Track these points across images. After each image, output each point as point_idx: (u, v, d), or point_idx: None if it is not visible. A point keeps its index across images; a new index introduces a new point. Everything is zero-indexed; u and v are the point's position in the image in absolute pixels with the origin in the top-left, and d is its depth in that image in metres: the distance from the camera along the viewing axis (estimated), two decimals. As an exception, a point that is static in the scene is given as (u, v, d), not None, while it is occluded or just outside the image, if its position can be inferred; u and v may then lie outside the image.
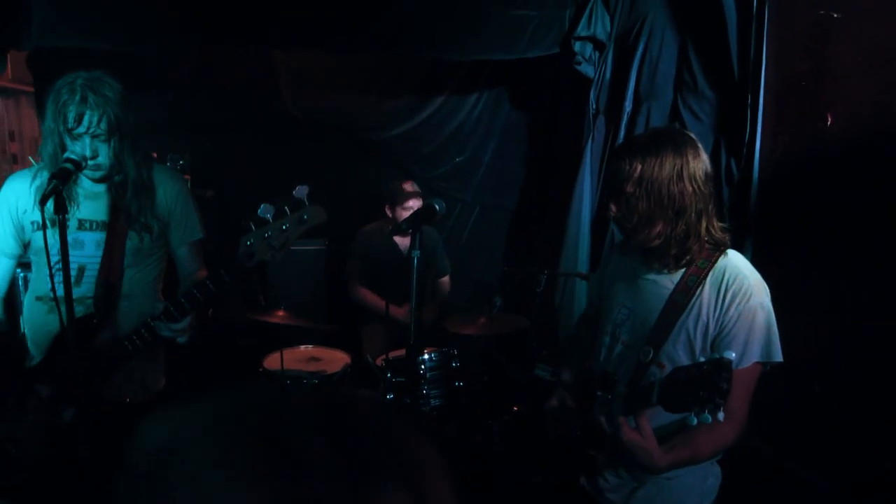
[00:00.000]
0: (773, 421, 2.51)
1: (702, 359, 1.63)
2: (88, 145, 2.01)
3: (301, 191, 1.77)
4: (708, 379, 1.37)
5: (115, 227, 2.18)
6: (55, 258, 1.94)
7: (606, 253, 2.10)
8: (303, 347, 3.73)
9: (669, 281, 1.80)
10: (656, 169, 1.71)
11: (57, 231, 1.90)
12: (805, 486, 2.43)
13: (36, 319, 2.20)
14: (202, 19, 2.95)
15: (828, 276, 2.38)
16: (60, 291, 1.94)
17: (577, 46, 3.35)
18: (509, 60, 3.54)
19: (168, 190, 2.29)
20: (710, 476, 1.89)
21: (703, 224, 1.74)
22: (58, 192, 1.84)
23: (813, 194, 2.42)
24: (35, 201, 2.07)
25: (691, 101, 2.85)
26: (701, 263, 1.75)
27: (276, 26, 3.12)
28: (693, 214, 1.72)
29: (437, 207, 1.86)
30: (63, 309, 1.87)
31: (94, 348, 2.12)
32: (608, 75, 3.33)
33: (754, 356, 1.66)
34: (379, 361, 3.42)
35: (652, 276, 1.85)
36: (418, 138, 4.25)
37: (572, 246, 3.49)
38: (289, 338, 3.56)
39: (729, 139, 2.68)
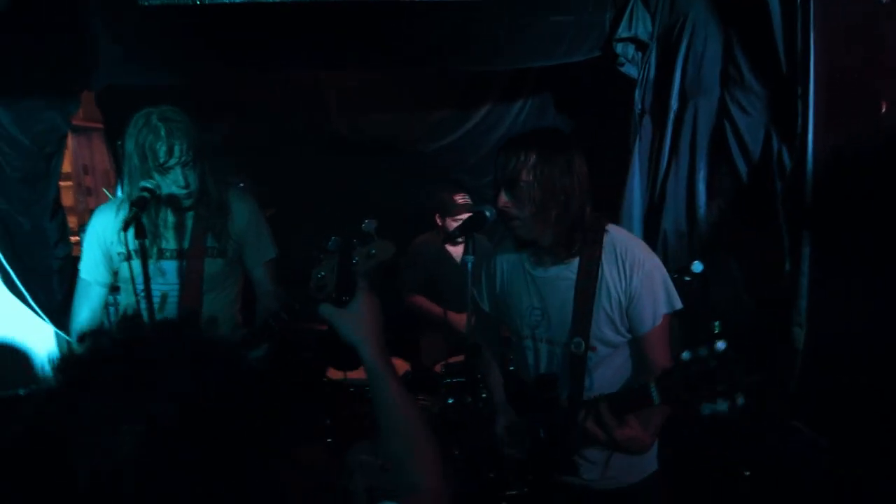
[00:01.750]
0: (828, 412, 2.48)
1: (623, 330, 1.89)
2: (181, 175, 2.14)
3: (369, 225, 1.81)
4: (718, 373, 1.44)
5: (193, 254, 2.31)
6: (141, 286, 2.09)
7: (477, 261, 2.16)
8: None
9: (569, 272, 1.93)
10: (549, 160, 1.83)
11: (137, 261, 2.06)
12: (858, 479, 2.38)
13: None
14: (257, 48, 3.10)
15: (884, 268, 2.34)
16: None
17: (618, 48, 3.37)
18: (551, 66, 3.58)
19: (241, 211, 2.40)
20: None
21: (586, 214, 1.89)
22: (138, 219, 1.99)
23: (868, 184, 2.38)
24: (118, 233, 2.17)
25: (739, 95, 2.83)
26: (591, 249, 1.89)
27: (321, 48, 3.24)
28: (579, 205, 1.87)
29: (488, 214, 1.91)
30: None
31: None
32: (652, 75, 3.33)
33: (662, 311, 1.87)
34: (437, 368, 3.50)
35: (552, 273, 1.96)
36: (465, 148, 4.31)
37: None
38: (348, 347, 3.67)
39: (779, 132, 2.66)
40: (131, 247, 2.13)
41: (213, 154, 4.15)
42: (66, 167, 3.74)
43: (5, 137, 3.19)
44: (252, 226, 2.43)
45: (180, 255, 2.31)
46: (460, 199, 3.77)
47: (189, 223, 2.32)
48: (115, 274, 2.35)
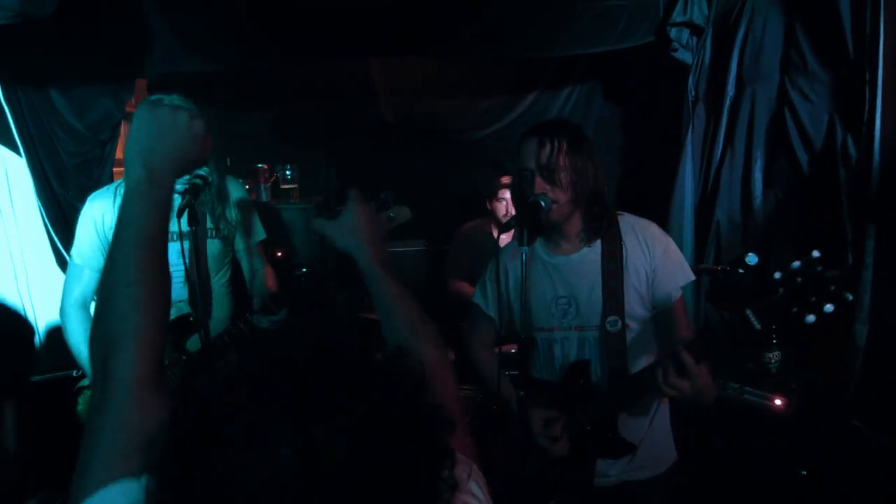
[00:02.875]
0: (890, 412, 2.39)
1: (650, 305, 1.94)
2: None
3: (386, 195, 1.91)
4: (815, 282, 1.43)
5: (197, 235, 2.36)
6: (182, 269, 2.20)
7: (491, 271, 2.19)
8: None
9: (593, 254, 1.97)
10: (578, 147, 1.89)
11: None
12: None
13: None
14: (308, 34, 3.10)
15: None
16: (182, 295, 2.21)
17: (673, 33, 3.26)
18: (601, 53, 3.50)
19: (236, 196, 2.53)
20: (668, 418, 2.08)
21: (606, 199, 1.96)
22: (191, 206, 2.01)
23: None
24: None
25: (801, 81, 2.73)
26: (610, 231, 1.95)
27: (373, 36, 3.23)
28: (604, 192, 1.96)
29: (543, 204, 1.87)
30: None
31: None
32: (707, 61, 3.23)
33: (681, 282, 1.94)
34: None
35: (575, 258, 1.99)
36: (512, 136, 4.23)
37: (676, 238, 3.40)
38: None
39: (844, 119, 2.55)
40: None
41: (260, 141, 4.23)
42: (119, 154, 3.80)
43: (62, 125, 3.28)
44: (245, 209, 2.57)
45: (183, 236, 2.36)
46: (505, 179, 3.74)
47: (188, 206, 2.36)
48: None
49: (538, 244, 2.05)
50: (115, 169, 3.52)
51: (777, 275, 1.49)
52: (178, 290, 2.35)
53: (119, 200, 2.20)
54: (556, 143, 1.85)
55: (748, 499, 2.49)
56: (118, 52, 3.19)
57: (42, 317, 3.44)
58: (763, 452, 2.53)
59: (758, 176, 3.01)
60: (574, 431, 1.94)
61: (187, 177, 2.12)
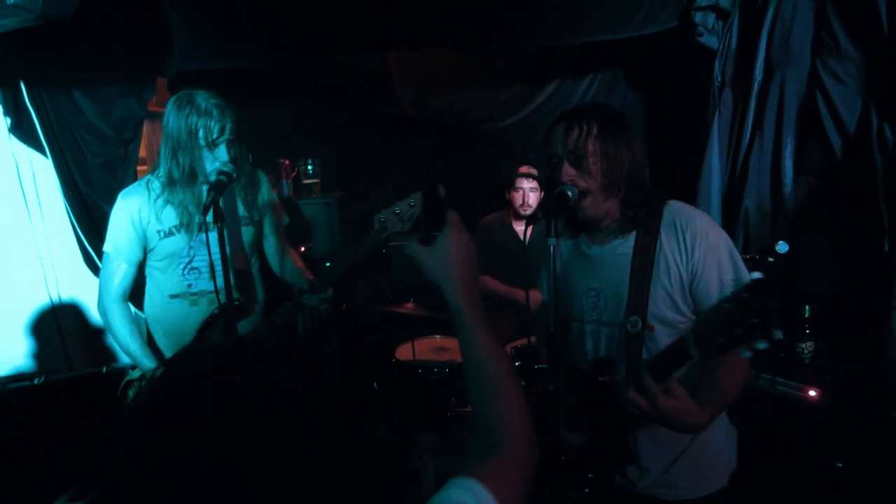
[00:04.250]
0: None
1: (685, 309, 1.76)
2: (226, 151, 2.25)
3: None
4: (752, 305, 1.28)
5: (232, 223, 2.43)
6: (186, 258, 2.35)
7: (538, 246, 2.08)
8: (432, 338, 3.83)
9: (626, 248, 1.82)
10: (611, 131, 1.75)
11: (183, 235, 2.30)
12: None
13: (171, 315, 2.46)
14: (326, 28, 3.09)
15: None
16: (204, 286, 2.35)
17: (697, 17, 3.19)
18: (624, 40, 3.44)
19: (263, 184, 2.63)
20: (731, 437, 1.93)
21: (648, 186, 1.80)
22: (216, 203, 2.03)
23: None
24: (156, 212, 2.35)
25: (833, 63, 2.65)
26: (648, 222, 1.78)
27: (392, 28, 3.20)
28: (642, 176, 1.79)
29: (570, 194, 1.81)
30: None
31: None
32: (734, 45, 3.15)
33: (730, 287, 1.62)
34: (507, 350, 3.46)
35: (607, 249, 1.86)
36: (533, 126, 4.22)
37: (703, 226, 3.36)
38: (417, 328, 3.68)
39: (880, 102, 2.47)
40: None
41: (281, 136, 4.24)
42: (141, 152, 3.83)
43: (86, 125, 3.30)
44: (271, 196, 2.66)
45: (219, 225, 2.41)
46: (524, 169, 3.70)
47: (223, 196, 2.37)
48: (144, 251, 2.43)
49: (582, 234, 1.96)
50: (138, 168, 3.56)
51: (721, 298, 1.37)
52: (220, 279, 2.39)
53: (153, 195, 2.35)
54: (586, 128, 1.74)
55: (782, 491, 2.44)
56: (139, 51, 3.21)
57: (70, 315, 3.49)
58: (797, 444, 2.48)
59: (788, 162, 2.94)
60: (589, 424, 1.86)
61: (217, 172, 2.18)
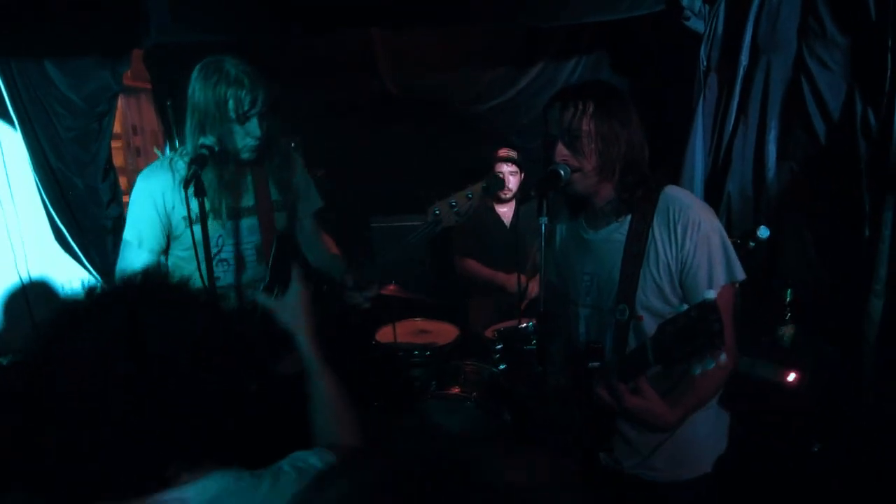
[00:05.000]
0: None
1: (674, 300, 1.73)
2: (258, 125, 2.06)
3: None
4: (698, 325, 1.31)
5: (263, 209, 2.25)
6: (214, 249, 2.07)
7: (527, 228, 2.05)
8: (412, 320, 3.81)
9: (620, 234, 1.79)
10: (607, 110, 1.70)
11: (210, 223, 2.02)
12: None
13: None
14: (309, 4, 3.01)
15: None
16: (232, 280, 2.15)
17: (685, 1, 3.17)
18: (609, 23, 3.41)
19: (298, 163, 2.41)
20: (720, 423, 1.92)
21: (645, 169, 1.76)
22: (197, 177, 1.91)
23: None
24: (181, 196, 2.07)
25: (819, 49, 2.65)
26: (644, 208, 1.75)
27: (375, 5, 3.14)
28: (638, 159, 1.74)
29: (562, 173, 1.78)
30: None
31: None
32: (720, 29, 3.14)
33: (721, 281, 1.68)
34: (490, 333, 3.44)
35: (602, 234, 1.84)
36: (517, 108, 4.19)
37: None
38: (397, 311, 3.64)
39: (865, 88, 2.49)
40: (196, 208, 1.99)
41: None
42: (116, 128, 3.73)
43: (58, 98, 3.20)
44: (304, 176, 2.45)
45: (251, 211, 2.23)
46: (503, 152, 3.67)
47: (250, 178, 2.23)
48: (169, 239, 2.20)
49: (580, 218, 1.92)
50: (113, 143, 3.47)
51: (682, 307, 1.42)
52: (253, 267, 2.25)
53: (178, 176, 2.08)
54: (581, 107, 1.69)
55: (761, 472, 2.47)
56: (114, 21, 3.11)
57: (41, 294, 3.39)
58: (776, 427, 2.51)
59: (771, 147, 2.95)
60: (576, 406, 1.85)
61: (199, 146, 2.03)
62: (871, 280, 2.49)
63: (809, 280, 2.73)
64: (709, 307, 1.30)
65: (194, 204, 1.91)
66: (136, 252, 2.15)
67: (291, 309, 1.49)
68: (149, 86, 4.05)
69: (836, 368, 2.57)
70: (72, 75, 3.18)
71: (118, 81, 3.28)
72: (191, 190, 1.90)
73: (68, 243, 3.38)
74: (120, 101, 3.47)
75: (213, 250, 2.10)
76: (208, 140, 2.02)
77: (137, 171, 4.14)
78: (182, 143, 2.19)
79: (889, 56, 2.35)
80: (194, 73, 2.07)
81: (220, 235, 2.17)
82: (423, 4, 3.08)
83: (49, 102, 3.19)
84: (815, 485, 2.43)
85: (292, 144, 3.80)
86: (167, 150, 3.95)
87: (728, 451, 1.97)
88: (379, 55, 4.03)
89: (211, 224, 2.09)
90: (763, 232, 2.90)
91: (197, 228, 1.98)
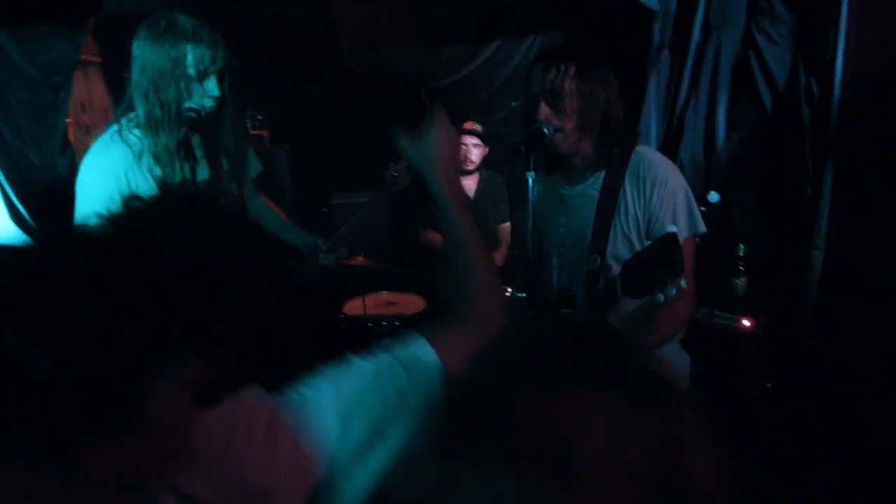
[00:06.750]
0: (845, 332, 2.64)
1: (646, 244, 1.82)
2: (216, 84, 1.95)
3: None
4: (661, 255, 1.48)
5: (216, 179, 2.15)
6: None
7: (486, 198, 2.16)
8: (379, 294, 3.86)
9: (594, 190, 1.94)
10: (588, 71, 1.82)
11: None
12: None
13: None
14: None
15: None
16: None
17: (639, -21, 3.36)
18: (566, 1, 3.56)
19: (240, 128, 2.27)
20: (683, 363, 2.08)
21: (621, 128, 1.90)
22: (188, 140, 1.87)
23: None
24: (143, 172, 1.96)
25: (766, 24, 2.87)
26: (617, 165, 1.89)
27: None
28: (616, 117, 1.88)
29: (546, 131, 1.88)
30: None
31: None
32: (674, 7, 3.33)
33: (684, 233, 1.82)
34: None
35: (578, 189, 1.98)
36: (475, 83, 4.28)
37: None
38: (366, 284, 3.70)
39: (808, 61, 2.73)
40: (187, 176, 1.87)
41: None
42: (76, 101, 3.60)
43: (12, 69, 3.07)
44: (245, 141, 2.33)
45: (204, 184, 2.07)
46: (468, 125, 3.77)
47: (204, 146, 2.08)
48: None
49: (557, 174, 2.05)
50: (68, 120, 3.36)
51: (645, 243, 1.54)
52: None
53: (135, 150, 1.90)
54: (563, 68, 1.79)
55: (721, 408, 2.70)
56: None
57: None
58: (734, 368, 2.75)
59: (721, 118, 3.18)
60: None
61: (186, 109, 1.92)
62: (813, 235, 2.75)
63: (758, 237, 2.98)
64: (670, 239, 1.47)
65: (201, 171, 1.89)
66: None
67: (426, 148, 1.28)
68: (98, 59, 3.91)
69: (784, 315, 2.83)
70: (26, 46, 3.06)
71: (76, 51, 3.17)
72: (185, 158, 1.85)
73: (24, 220, 3.27)
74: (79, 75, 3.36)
75: None
76: (194, 103, 1.92)
77: (86, 149, 4.03)
78: (128, 111, 1.99)
79: (831, 30, 2.59)
80: (142, 32, 1.91)
81: None
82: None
83: (2, 73, 3.06)
84: (767, 419, 2.69)
85: (259, 118, 3.81)
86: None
87: (691, 392, 2.16)
88: (339, 29, 4.04)
89: None
90: (713, 196, 3.14)
91: None
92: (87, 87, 4.11)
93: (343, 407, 0.93)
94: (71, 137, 4.04)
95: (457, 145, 1.34)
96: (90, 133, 4.17)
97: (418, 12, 4.06)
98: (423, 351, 1.03)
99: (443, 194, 1.24)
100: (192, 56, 1.88)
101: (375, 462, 0.93)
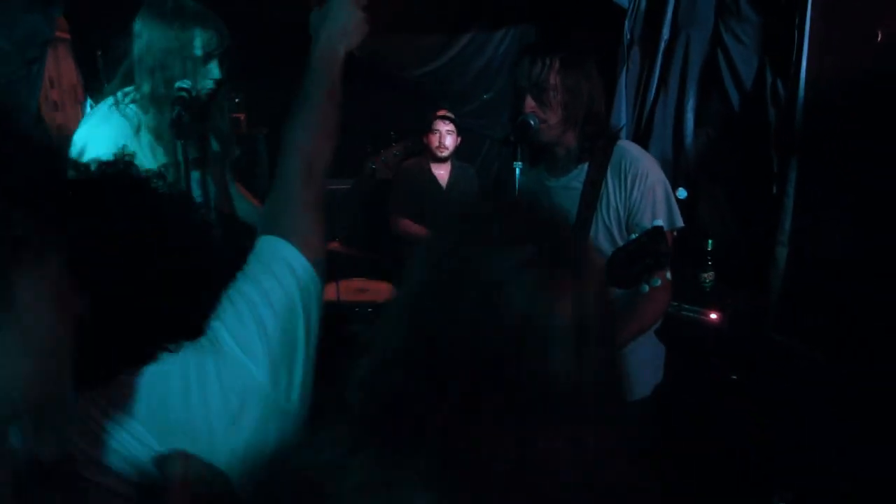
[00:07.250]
0: (808, 324, 2.74)
1: (621, 242, 1.91)
2: (218, 68, 1.97)
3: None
4: (648, 247, 1.52)
5: (210, 161, 2.13)
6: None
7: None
8: (351, 280, 3.84)
9: (577, 182, 1.98)
10: (572, 65, 1.86)
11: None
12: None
13: None
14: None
15: (867, 193, 2.54)
16: None
17: (612, -23, 3.42)
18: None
19: (226, 112, 2.29)
20: (658, 353, 2.15)
21: (603, 121, 1.96)
22: (180, 118, 1.80)
23: (860, 112, 2.56)
24: (145, 148, 1.96)
25: (734, 25, 2.96)
26: (600, 158, 1.94)
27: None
28: (599, 110, 1.93)
29: (532, 123, 1.91)
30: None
31: None
32: (643, 6, 3.40)
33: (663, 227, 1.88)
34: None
35: (562, 182, 2.02)
36: (448, 75, 4.31)
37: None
38: (340, 270, 3.68)
39: (774, 61, 2.81)
40: (180, 157, 1.92)
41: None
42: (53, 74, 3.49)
43: (-21, 43, 2.96)
44: (228, 124, 2.33)
45: (197, 163, 2.16)
46: (442, 112, 3.79)
47: (197, 129, 2.03)
48: None
49: (541, 167, 2.07)
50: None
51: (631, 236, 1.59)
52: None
53: (133, 124, 1.91)
54: (548, 62, 1.83)
55: (687, 398, 2.77)
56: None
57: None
58: (700, 359, 2.82)
59: (689, 115, 3.26)
60: None
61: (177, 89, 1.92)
62: (777, 232, 2.84)
63: (724, 233, 3.07)
64: (657, 232, 1.50)
65: (191, 150, 1.86)
66: None
67: (323, 16, 1.32)
68: (68, 36, 3.81)
69: (748, 309, 2.91)
70: (0, 19, 2.96)
71: (51, 26, 3.06)
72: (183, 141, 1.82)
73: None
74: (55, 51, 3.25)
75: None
76: (186, 83, 1.89)
77: (56, 126, 3.90)
78: (123, 86, 1.98)
79: (796, 32, 2.67)
80: (141, 18, 1.93)
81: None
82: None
83: (-34, 49, 2.95)
84: (733, 410, 2.76)
85: (237, 100, 3.74)
86: (87, 105, 3.73)
87: (663, 382, 2.22)
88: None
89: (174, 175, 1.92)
90: (681, 193, 3.20)
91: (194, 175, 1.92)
92: (56, 63, 3.98)
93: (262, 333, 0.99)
94: (37, 115, 3.93)
95: (358, 27, 1.38)
96: (58, 109, 4.05)
97: (393, 2, 4.05)
98: (280, 250, 1.07)
99: (318, 52, 1.33)
100: (200, 39, 1.91)
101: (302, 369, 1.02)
